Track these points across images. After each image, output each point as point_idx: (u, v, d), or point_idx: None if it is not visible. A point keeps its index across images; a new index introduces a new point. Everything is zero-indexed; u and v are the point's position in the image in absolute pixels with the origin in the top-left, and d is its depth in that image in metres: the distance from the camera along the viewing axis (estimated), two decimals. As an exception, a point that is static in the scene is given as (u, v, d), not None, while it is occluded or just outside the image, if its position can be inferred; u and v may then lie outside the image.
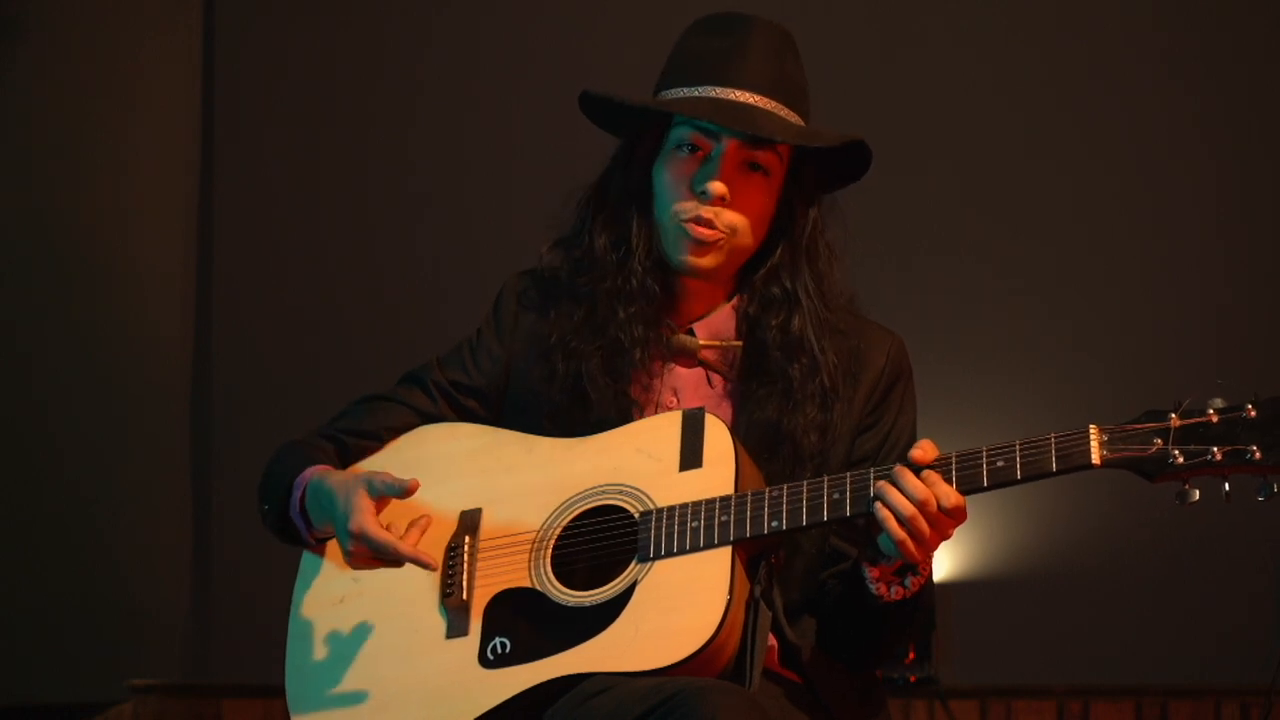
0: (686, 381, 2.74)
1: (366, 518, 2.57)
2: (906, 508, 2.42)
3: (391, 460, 2.77)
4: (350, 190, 6.19)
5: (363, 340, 5.89)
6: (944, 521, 2.44)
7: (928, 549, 2.46)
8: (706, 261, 2.68)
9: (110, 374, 5.92)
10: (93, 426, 5.83)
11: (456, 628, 2.59)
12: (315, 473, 2.69)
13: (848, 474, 2.49)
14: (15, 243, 5.71)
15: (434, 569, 2.60)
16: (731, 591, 2.45)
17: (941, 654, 5.53)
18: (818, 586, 2.68)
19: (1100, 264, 5.95)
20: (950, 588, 5.73)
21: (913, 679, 5.49)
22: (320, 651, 2.68)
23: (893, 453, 2.71)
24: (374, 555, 2.58)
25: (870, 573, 2.53)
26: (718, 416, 2.60)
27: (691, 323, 2.76)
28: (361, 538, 2.57)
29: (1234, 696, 5.53)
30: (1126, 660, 5.69)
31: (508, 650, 2.54)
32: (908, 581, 2.53)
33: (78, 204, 5.91)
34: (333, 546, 2.72)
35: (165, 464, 6.09)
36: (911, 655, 5.47)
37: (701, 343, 2.74)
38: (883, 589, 2.53)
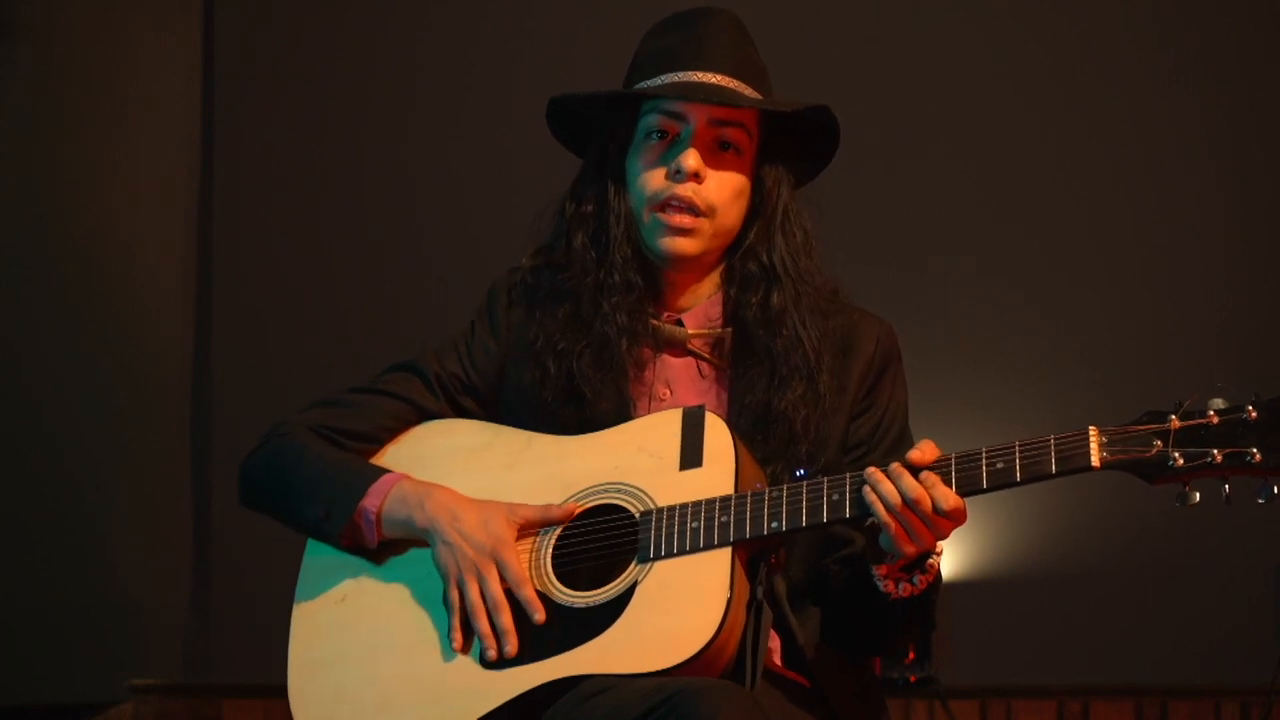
0: (678, 373, 2.75)
1: (509, 551, 2.58)
2: (894, 498, 2.42)
3: (391, 459, 2.76)
4: (350, 190, 6.19)
5: (363, 340, 5.89)
6: (941, 523, 2.44)
7: (922, 544, 2.45)
8: (688, 246, 2.69)
9: (110, 374, 5.92)
10: (93, 427, 5.82)
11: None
12: (389, 479, 2.69)
13: (847, 475, 2.49)
14: (15, 243, 5.71)
15: (540, 618, 2.57)
16: (731, 592, 2.44)
17: (941, 654, 5.53)
18: (820, 571, 2.68)
19: (1100, 264, 5.95)
20: (950, 588, 5.72)
21: (913, 679, 5.49)
22: (322, 650, 2.67)
23: (886, 437, 2.72)
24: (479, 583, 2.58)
25: (878, 570, 2.53)
26: (715, 412, 2.60)
27: (679, 314, 2.76)
28: (499, 560, 2.57)
29: (1234, 696, 5.53)
30: (1126, 660, 5.68)
31: (509, 651, 2.55)
32: (915, 579, 2.52)
33: (78, 204, 5.91)
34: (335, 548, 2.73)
35: (165, 464, 6.09)
36: (911, 655, 5.47)
37: (690, 332, 2.74)
38: (890, 586, 2.53)
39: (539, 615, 2.54)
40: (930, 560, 2.52)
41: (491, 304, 2.85)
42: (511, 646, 2.53)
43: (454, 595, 2.59)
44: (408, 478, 2.70)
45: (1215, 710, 5.55)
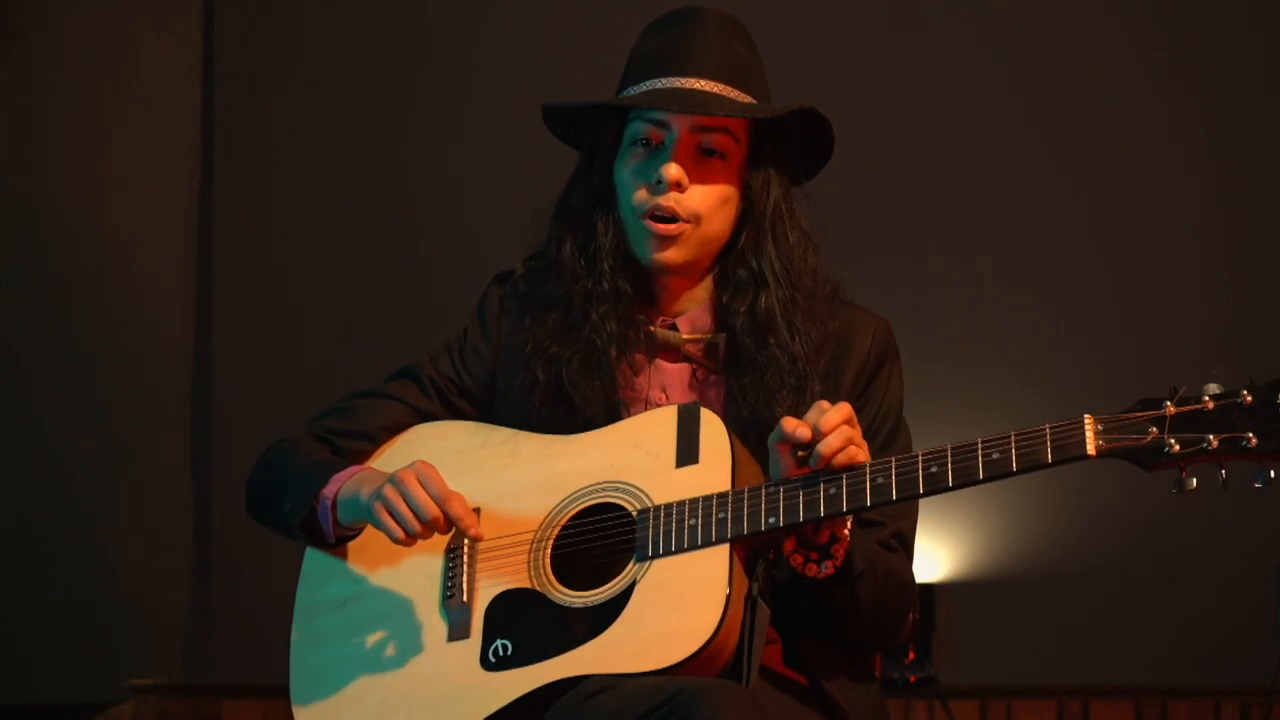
0: (674, 377, 2.74)
1: (430, 469, 2.58)
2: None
3: (385, 461, 2.76)
4: (350, 190, 6.20)
5: (363, 341, 5.89)
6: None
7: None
8: (673, 255, 2.68)
9: (110, 374, 5.92)
10: (92, 427, 5.83)
11: (458, 630, 2.59)
12: (352, 469, 2.69)
13: (843, 472, 2.47)
14: (15, 243, 5.72)
15: (478, 538, 2.59)
16: (730, 589, 2.43)
17: (941, 654, 5.53)
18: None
19: (1100, 264, 5.95)
20: (950, 588, 5.73)
21: (913, 679, 5.48)
22: (324, 655, 2.68)
23: (879, 436, 2.69)
24: (410, 502, 2.55)
25: (785, 545, 2.52)
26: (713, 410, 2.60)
27: (674, 318, 2.75)
28: (422, 474, 2.56)
29: (1234, 696, 5.53)
30: (1126, 660, 5.68)
31: (509, 652, 2.53)
32: (823, 564, 2.51)
33: (77, 205, 5.92)
34: (334, 552, 2.73)
35: (165, 464, 6.09)
36: (911, 655, 5.47)
37: (685, 337, 2.74)
38: (798, 560, 2.52)
39: (474, 530, 2.56)
40: (834, 548, 2.51)
41: (483, 307, 2.85)
42: (474, 529, 2.56)
43: (384, 519, 2.56)
44: (372, 468, 2.70)
45: (1215, 710, 5.55)
